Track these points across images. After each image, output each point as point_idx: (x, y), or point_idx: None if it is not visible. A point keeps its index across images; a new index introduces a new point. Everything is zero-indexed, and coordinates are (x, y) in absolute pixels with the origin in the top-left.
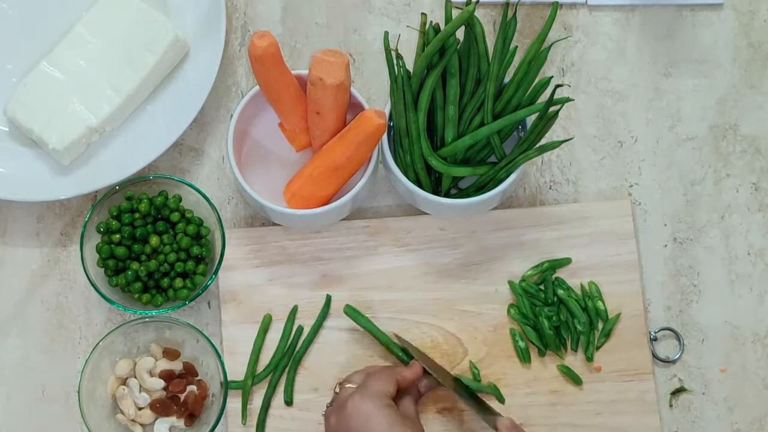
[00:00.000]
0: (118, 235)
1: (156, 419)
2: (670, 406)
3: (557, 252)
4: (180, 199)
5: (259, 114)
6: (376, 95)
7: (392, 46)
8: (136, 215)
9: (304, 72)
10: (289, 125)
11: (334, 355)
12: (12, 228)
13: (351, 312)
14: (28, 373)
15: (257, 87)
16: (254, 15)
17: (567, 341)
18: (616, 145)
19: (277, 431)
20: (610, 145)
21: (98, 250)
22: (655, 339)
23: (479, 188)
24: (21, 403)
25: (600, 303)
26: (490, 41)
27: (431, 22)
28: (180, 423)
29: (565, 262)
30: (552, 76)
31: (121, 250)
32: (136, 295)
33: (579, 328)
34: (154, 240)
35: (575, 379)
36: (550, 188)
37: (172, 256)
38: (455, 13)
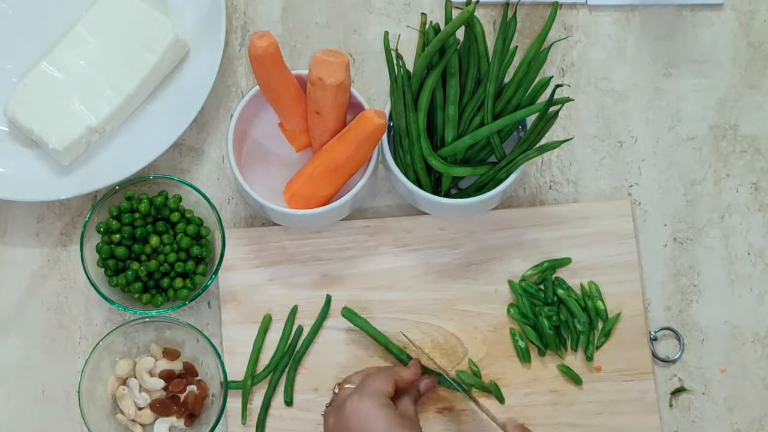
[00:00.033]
0: (118, 235)
1: (156, 419)
2: (670, 406)
3: (557, 252)
4: (180, 199)
5: (259, 114)
6: (376, 95)
7: (392, 46)
8: (136, 215)
9: (304, 72)
10: (289, 125)
11: (334, 355)
12: (12, 228)
13: (348, 314)
14: (28, 373)
15: (257, 87)
16: (254, 15)
17: (567, 341)
18: (616, 145)
19: (277, 431)
20: (610, 145)
21: (98, 250)
22: (655, 339)
23: (479, 188)
24: (21, 403)
25: (600, 303)
26: (490, 41)
27: (431, 22)
28: (180, 423)
29: (565, 261)
30: (552, 76)
31: (121, 250)
32: (136, 295)
33: (579, 327)
34: (154, 240)
35: (575, 379)
36: (550, 188)
37: (172, 256)
38: (455, 13)
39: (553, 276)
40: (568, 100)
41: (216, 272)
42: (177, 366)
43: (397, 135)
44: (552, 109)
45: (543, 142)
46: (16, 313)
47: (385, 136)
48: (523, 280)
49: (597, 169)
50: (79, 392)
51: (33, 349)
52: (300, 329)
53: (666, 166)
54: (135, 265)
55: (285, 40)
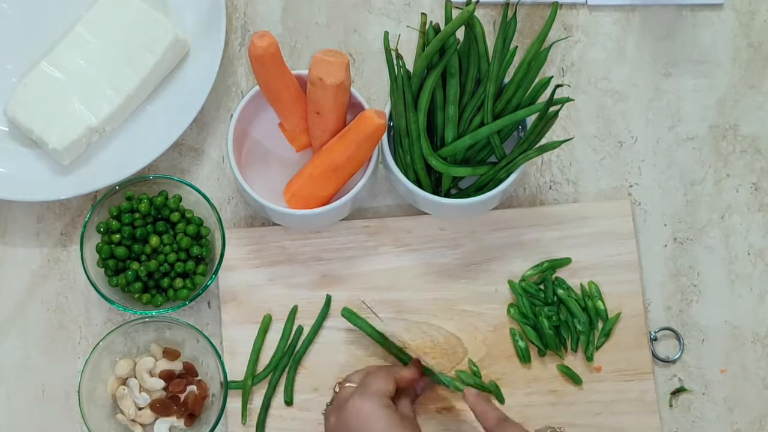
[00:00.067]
0: (118, 235)
1: (156, 419)
2: (670, 406)
3: (557, 252)
4: (180, 199)
5: (259, 114)
6: (376, 95)
7: (392, 46)
8: (136, 215)
9: (304, 72)
10: (289, 125)
11: (334, 355)
12: (12, 228)
13: (348, 315)
14: (28, 373)
15: (257, 87)
16: (254, 15)
17: (567, 341)
18: (616, 145)
19: (277, 431)
20: (610, 145)
21: (98, 250)
22: (655, 339)
23: (479, 188)
24: (21, 403)
25: (600, 303)
26: (490, 41)
27: (431, 22)
28: (180, 423)
29: (565, 261)
30: (552, 76)
31: (121, 250)
32: (136, 295)
33: (579, 327)
34: (154, 240)
35: (575, 379)
36: (550, 188)
37: (172, 256)
38: (455, 13)
39: (553, 276)
40: (568, 100)
41: (216, 272)
42: (177, 366)
43: (397, 135)
44: (552, 109)
45: (543, 142)
46: (16, 313)
47: (385, 136)
48: (523, 280)
49: (597, 169)
50: (79, 392)
51: (33, 349)
52: (300, 329)
53: (666, 166)
54: (135, 265)
55: (285, 40)
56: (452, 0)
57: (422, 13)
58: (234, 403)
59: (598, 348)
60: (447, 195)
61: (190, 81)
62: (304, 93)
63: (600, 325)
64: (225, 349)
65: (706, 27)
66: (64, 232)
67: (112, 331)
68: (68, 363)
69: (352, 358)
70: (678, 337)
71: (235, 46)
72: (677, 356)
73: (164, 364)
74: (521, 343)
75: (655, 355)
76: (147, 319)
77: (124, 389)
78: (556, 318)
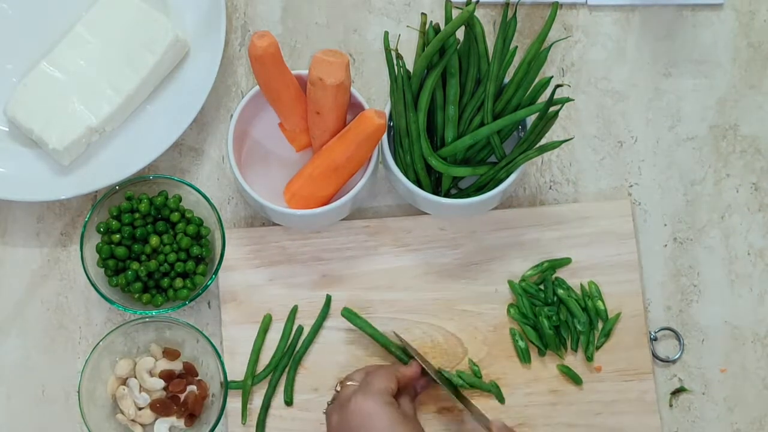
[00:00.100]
0: (118, 235)
1: (156, 419)
2: (670, 406)
3: (557, 252)
4: (180, 199)
5: (259, 114)
6: (376, 95)
7: (392, 46)
8: (136, 215)
9: (304, 72)
10: (289, 125)
11: (334, 355)
12: (12, 228)
13: (348, 315)
14: (28, 373)
15: (257, 87)
16: (254, 15)
17: (567, 341)
18: (616, 145)
19: (277, 431)
20: (610, 145)
21: (98, 250)
22: (655, 339)
23: (479, 188)
24: (21, 403)
25: (600, 303)
26: (490, 41)
27: (431, 22)
28: (180, 423)
29: (565, 262)
30: (552, 76)
31: (121, 250)
32: (136, 295)
33: (579, 327)
34: (154, 240)
35: (575, 379)
36: (550, 188)
37: (172, 256)
38: (455, 13)
39: (553, 276)
40: (568, 100)
41: (216, 272)
42: (177, 366)
43: (397, 135)
44: (552, 109)
45: (543, 142)
46: (16, 313)
47: (385, 136)
48: (523, 280)
49: (597, 169)
50: (79, 392)
51: (33, 349)
52: (300, 329)
53: (666, 166)
54: (135, 265)
55: (285, 40)
56: (452, 0)
57: (422, 13)
58: (234, 403)
59: (598, 348)
60: (447, 195)
61: (190, 81)
62: (304, 93)
63: (600, 325)
64: (225, 349)
65: (706, 27)
66: (64, 232)
67: (112, 331)
68: (68, 363)
69: (352, 358)
70: (678, 337)
71: (235, 46)
72: (677, 356)
73: (164, 364)
74: (521, 343)
75: (655, 355)
76: (147, 319)
77: (124, 389)
78: (556, 318)
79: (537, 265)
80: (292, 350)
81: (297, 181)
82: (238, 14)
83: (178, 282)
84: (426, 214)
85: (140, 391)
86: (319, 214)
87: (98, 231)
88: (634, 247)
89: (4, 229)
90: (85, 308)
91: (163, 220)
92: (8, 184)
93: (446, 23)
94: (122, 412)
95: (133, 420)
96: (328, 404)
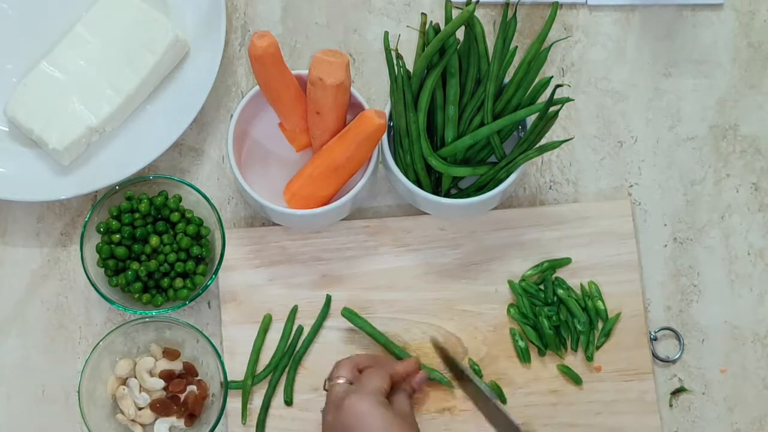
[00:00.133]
0: (118, 235)
1: (156, 419)
2: (670, 406)
3: (557, 252)
4: (180, 199)
5: (259, 114)
6: (376, 95)
7: (392, 46)
8: (136, 215)
9: (304, 72)
10: (289, 125)
11: (334, 355)
12: (12, 228)
13: (348, 315)
14: (28, 373)
15: (257, 87)
16: (254, 15)
17: (567, 341)
18: (616, 145)
19: (277, 431)
20: (610, 145)
21: (98, 250)
22: (655, 339)
23: (479, 188)
24: (21, 403)
25: (600, 303)
26: (490, 41)
27: (431, 22)
28: (180, 423)
29: (565, 261)
30: (552, 76)
31: (121, 250)
32: (136, 295)
33: (579, 327)
34: (154, 240)
35: (575, 379)
36: (550, 188)
37: (172, 256)
38: (455, 13)
39: (553, 276)
40: (568, 100)
41: (216, 272)
42: (177, 366)
43: (397, 135)
44: (552, 109)
45: (543, 142)
46: (16, 313)
47: (385, 136)
48: (523, 280)
49: (597, 169)
50: (79, 392)
51: (33, 349)
52: (300, 329)
53: (666, 166)
54: (135, 265)
55: (285, 40)
56: (452, 0)
57: (422, 13)
58: (234, 403)
59: (598, 348)
60: (447, 195)
61: (190, 81)
62: (304, 93)
63: (600, 325)
64: (225, 349)
65: (706, 27)
66: (64, 232)
67: (112, 331)
68: (68, 363)
69: None
70: (678, 337)
71: (235, 46)
72: (677, 356)
73: (164, 364)
74: (521, 343)
75: (655, 355)
76: (147, 319)
77: (124, 389)
78: (556, 318)
79: (537, 265)
80: (292, 350)
81: (297, 181)
82: (238, 14)
83: (178, 282)
84: (426, 214)
85: (140, 391)
86: (319, 214)
87: (98, 231)
88: (634, 247)
89: (4, 229)
90: (85, 308)
91: (163, 220)
92: (8, 184)
93: (446, 23)
94: (122, 412)
95: (133, 420)
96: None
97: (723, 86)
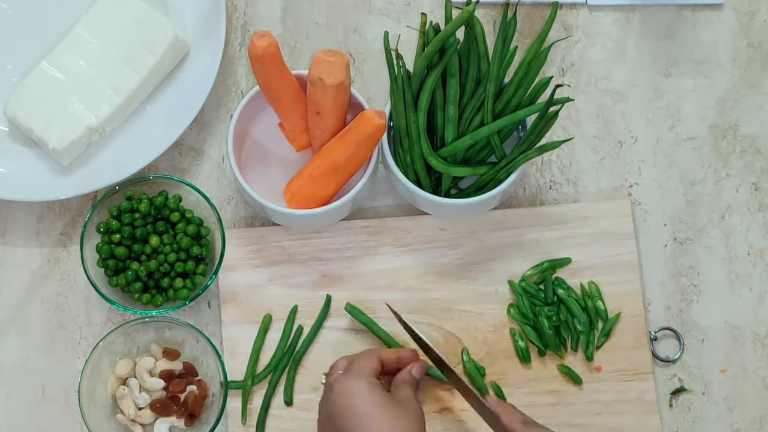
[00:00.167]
0: (118, 235)
1: (156, 419)
2: (670, 406)
3: (557, 252)
4: (180, 199)
5: (259, 114)
6: (376, 95)
7: (392, 46)
8: (136, 215)
9: (304, 72)
10: (289, 125)
11: (334, 355)
12: (12, 228)
13: (352, 310)
14: (28, 373)
15: (257, 87)
16: (254, 15)
17: (567, 341)
18: (616, 145)
19: (277, 431)
20: (610, 145)
21: (98, 250)
22: (655, 339)
23: (479, 188)
24: (21, 403)
25: (600, 303)
26: (490, 41)
27: (431, 22)
28: (180, 423)
29: (565, 261)
30: (552, 76)
31: (121, 250)
32: (136, 295)
33: (579, 327)
34: (154, 240)
35: (575, 379)
36: (550, 188)
37: (172, 256)
38: (455, 13)
39: (553, 276)
40: (568, 100)
41: (216, 272)
42: (177, 366)
43: (397, 135)
44: (552, 109)
45: (543, 142)
46: (16, 313)
47: (385, 136)
48: (523, 280)
49: (597, 169)
50: (79, 392)
51: (33, 349)
52: (300, 329)
53: (666, 166)
54: (135, 265)
55: (285, 40)
56: (452, 0)
57: (422, 13)
58: (234, 403)
59: (598, 348)
60: (447, 195)
61: (190, 81)
62: (304, 93)
63: (600, 325)
64: (225, 349)
65: (706, 27)
66: (64, 232)
67: (112, 331)
68: (68, 363)
69: None
70: (678, 337)
71: (235, 46)
72: (677, 356)
73: (164, 364)
74: (521, 343)
75: (655, 355)
76: (147, 319)
77: (124, 389)
78: (556, 318)
79: (537, 265)
80: (292, 350)
81: (297, 181)
82: (238, 14)
83: (178, 282)
84: (426, 214)
85: (140, 391)
86: (319, 214)
87: (98, 231)
88: (634, 247)
89: (4, 229)
90: (85, 308)
91: (163, 220)
92: (8, 184)
93: (446, 23)
94: (122, 412)
95: (133, 420)
96: None
97: (723, 86)
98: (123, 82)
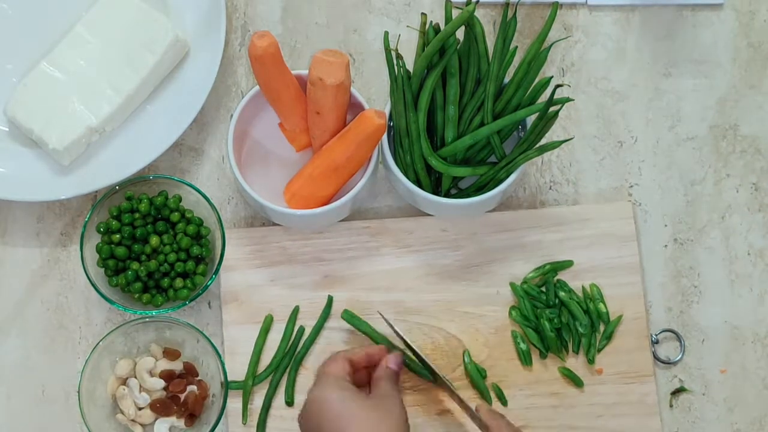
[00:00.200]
0: (118, 235)
1: (156, 419)
2: (671, 406)
3: (559, 254)
4: (180, 199)
5: (259, 114)
6: (376, 95)
7: (392, 46)
8: (136, 215)
9: (304, 72)
10: (289, 125)
11: None
12: (12, 228)
13: (349, 317)
14: (28, 373)
15: (257, 87)
16: (254, 15)
17: (568, 343)
18: (616, 145)
19: (277, 431)
20: (610, 145)
21: (98, 250)
22: (657, 342)
23: (479, 188)
24: (21, 403)
25: (601, 305)
26: (490, 41)
27: (431, 22)
28: (180, 423)
29: (566, 264)
30: (552, 76)
31: (121, 250)
32: (136, 295)
33: (580, 330)
34: (154, 240)
35: (576, 382)
36: (550, 188)
37: (172, 256)
38: (455, 13)
39: (555, 278)
40: (568, 100)
41: (216, 272)
42: (177, 366)
43: (397, 135)
44: (552, 109)
45: (543, 142)
46: (16, 313)
47: (385, 136)
48: (524, 282)
49: (597, 169)
50: (79, 392)
51: (33, 349)
52: (301, 330)
53: (666, 166)
54: (135, 265)
55: (285, 40)
56: (452, 0)
57: (422, 13)
58: (235, 403)
59: (599, 350)
60: (447, 195)
61: (190, 81)
62: (304, 93)
63: (601, 327)
64: (226, 350)
65: (706, 27)
66: (64, 232)
67: (112, 331)
68: (68, 363)
69: None
70: (679, 338)
71: (235, 46)
72: (678, 358)
73: (164, 364)
74: (523, 346)
75: (656, 357)
76: (147, 319)
77: (124, 389)
78: (558, 320)
79: (539, 268)
80: (294, 351)
81: (297, 181)
82: (238, 14)
83: (178, 282)
84: (428, 215)
85: (140, 391)
86: (319, 214)
87: (98, 231)
88: (636, 250)
89: (4, 229)
90: (85, 308)
91: (163, 220)
92: (8, 184)
93: (446, 23)
94: (122, 412)
95: (133, 420)
96: None
97: (723, 86)
98: (123, 82)
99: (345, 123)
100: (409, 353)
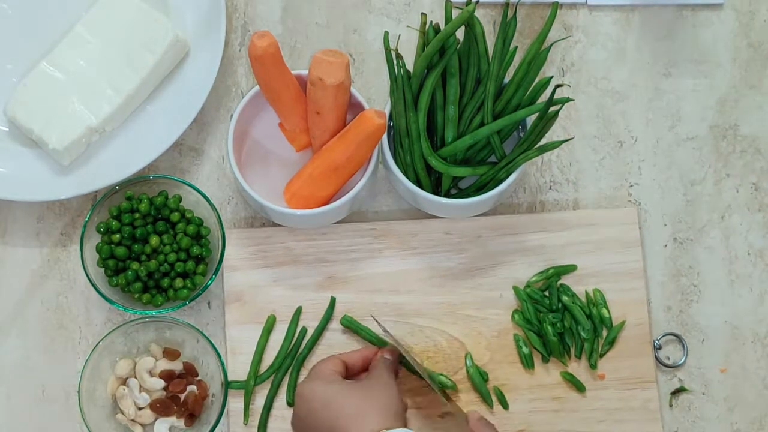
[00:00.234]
0: (118, 235)
1: (156, 419)
2: (670, 406)
3: (562, 258)
4: (180, 199)
5: (259, 114)
6: (376, 95)
7: (392, 46)
8: (136, 215)
9: (304, 72)
10: (289, 125)
11: None
12: (12, 228)
13: (347, 322)
14: (28, 373)
15: (257, 87)
16: (254, 15)
17: (571, 348)
18: (616, 145)
19: (278, 431)
20: (610, 145)
21: (98, 250)
22: (659, 348)
23: (479, 188)
24: (21, 403)
25: (604, 310)
26: (490, 41)
27: (431, 22)
28: (180, 423)
29: (570, 268)
30: (552, 76)
31: (121, 250)
32: (136, 295)
33: (583, 335)
34: (154, 240)
35: (578, 386)
36: (550, 188)
37: (172, 256)
38: (455, 13)
39: (558, 283)
40: (568, 100)
41: (216, 272)
42: (177, 366)
43: (397, 135)
44: (552, 109)
45: (543, 142)
46: (16, 313)
47: (385, 136)
48: (528, 286)
49: (597, 169)
50: (79, 392)
51: (33, 349)
52: (304, 330)
53: (666, 166)
54: (135, 265)
55: (285, 40)
56: (452, 0)
57: (422, 13)
58: (236, 403)
59: (602, 356)
60: (447, 195)
61: (190, 81)
62: (304, 93)
63: (604, 332)
64: (228, 350)
65: (706, 27)
66: (64, 232)
67: (112, 331)
68: (68, 363)
69: None
70: (681, 341)
71: (235, 46)
72: (681, 361)
73: (164, 364)
74: (525, 350)
75: (659, 361)
76: (147, 319)
77: (124, 389)
78: (561, 325)
79: (542, 272)
80: (296, 351)
81: (297, 181)
82: (238, 14)
83: (178, 282)
84: (432, 217)
85: (140, 391)
86: (318, 214)
87: (98, 231)
88: (640, 255)
89: (4, 229)
90: (85, 308)
91: (163, 220)
92: (8, 184)
93: (446, 23)
94: (122, 412)
95: (133, 420)
96: None
97: (723, 86)
98: (123, 82)
99: (345, 123)
100: (407, 358)
